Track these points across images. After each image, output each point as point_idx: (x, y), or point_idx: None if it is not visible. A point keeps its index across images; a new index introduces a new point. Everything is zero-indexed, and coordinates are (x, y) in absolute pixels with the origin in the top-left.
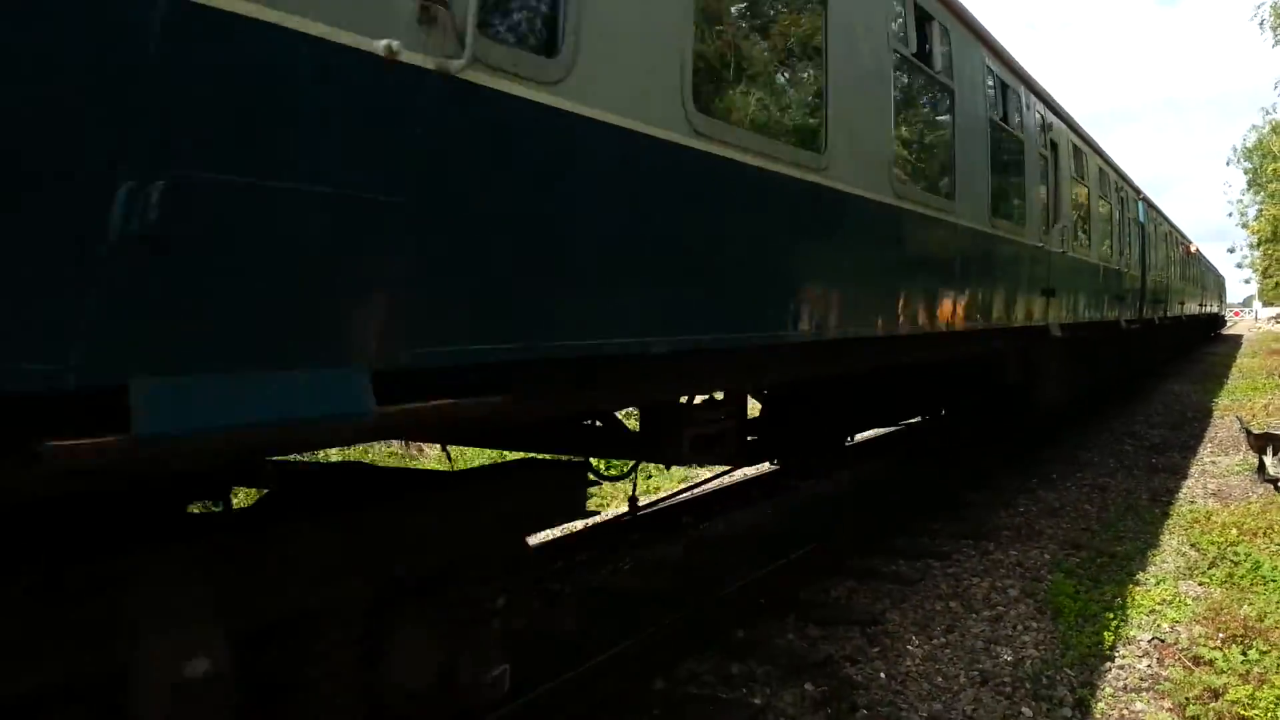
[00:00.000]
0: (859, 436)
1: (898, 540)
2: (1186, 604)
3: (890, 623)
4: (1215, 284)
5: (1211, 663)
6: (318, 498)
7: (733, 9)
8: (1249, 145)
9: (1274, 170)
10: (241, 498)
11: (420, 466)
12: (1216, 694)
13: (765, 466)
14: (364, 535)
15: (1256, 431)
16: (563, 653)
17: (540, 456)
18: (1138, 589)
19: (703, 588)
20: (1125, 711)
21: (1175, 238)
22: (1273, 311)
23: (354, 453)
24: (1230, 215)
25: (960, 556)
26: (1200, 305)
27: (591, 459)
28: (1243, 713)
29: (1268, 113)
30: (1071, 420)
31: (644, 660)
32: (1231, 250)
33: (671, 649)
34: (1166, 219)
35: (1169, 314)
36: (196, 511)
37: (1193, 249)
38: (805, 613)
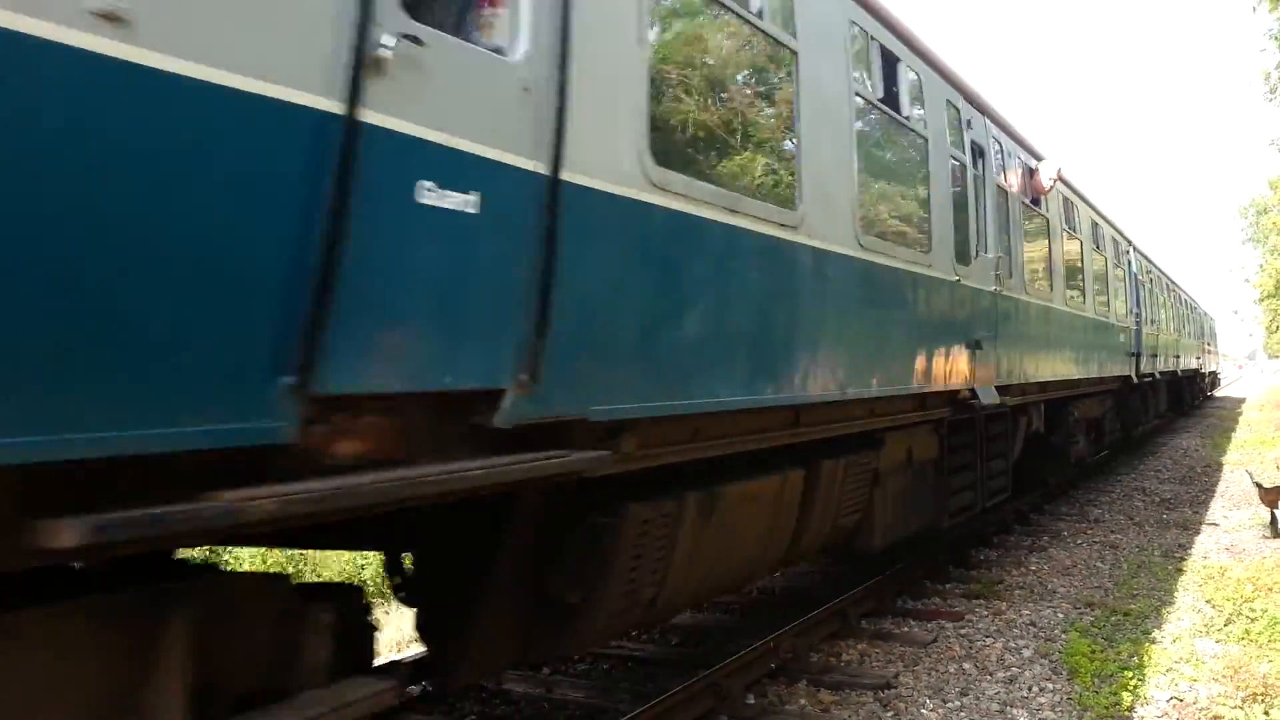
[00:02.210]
0: None
1: (909, 601)
2: (1204, 662)
3: (904, 686)
4: (1190, 316)
5: None
6: None
7: None
8: (1244, 205)
9: (1274, 224)
10: None
11: None
12: None
13: None
14: None
15: (1267, 485)
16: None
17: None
18: (1154, 647)
19: (711, 652)
20: None
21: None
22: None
23: None
24: (1231, 272)
25: (973, 617)
26: (1145, 357)
27: None
28: None
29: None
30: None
31: None
32: (1235, 312)
33: (680, 716)
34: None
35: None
36: None
37: (1088, 212)
38: (817, 677)
